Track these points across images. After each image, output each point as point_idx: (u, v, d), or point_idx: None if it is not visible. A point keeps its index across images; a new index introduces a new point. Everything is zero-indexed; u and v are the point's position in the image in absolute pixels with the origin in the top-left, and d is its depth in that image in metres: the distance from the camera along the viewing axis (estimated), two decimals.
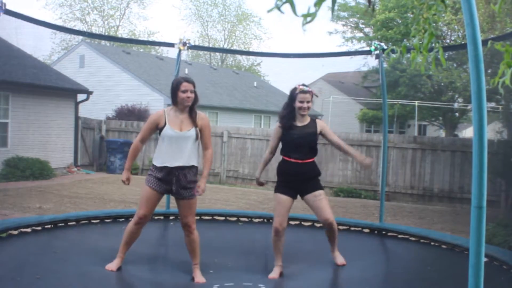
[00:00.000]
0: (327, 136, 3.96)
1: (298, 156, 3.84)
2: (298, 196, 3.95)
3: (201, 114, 3.72)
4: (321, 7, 1.17)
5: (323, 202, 3.84)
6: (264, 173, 4.27)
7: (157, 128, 3.67)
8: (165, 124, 3.61)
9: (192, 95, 3.62)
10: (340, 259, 4.09)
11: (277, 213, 3.83)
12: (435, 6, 2.07)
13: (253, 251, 4.57)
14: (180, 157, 3.57)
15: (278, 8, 1.13)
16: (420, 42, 2.16)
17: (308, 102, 3.85)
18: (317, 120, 4.00)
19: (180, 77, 3.74)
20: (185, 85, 3.59)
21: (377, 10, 20.61)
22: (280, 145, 3.99)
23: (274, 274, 3.84)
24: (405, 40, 20.61)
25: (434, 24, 2.21)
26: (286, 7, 1.14)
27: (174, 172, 3.58)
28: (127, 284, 3.53)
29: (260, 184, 4.10)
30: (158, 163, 3.62)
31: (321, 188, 3.91)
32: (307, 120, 3.97)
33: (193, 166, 3.64)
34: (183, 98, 3.59)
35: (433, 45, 2.31)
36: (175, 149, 3.57)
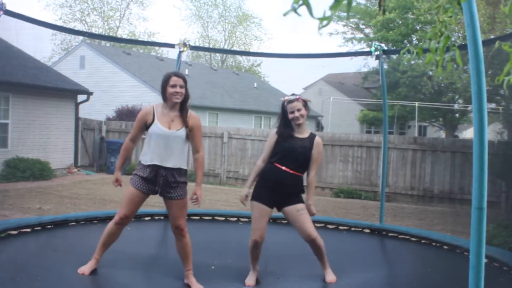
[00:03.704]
0: (312, 159, 3.63)
1: (291, 166, 3.56)
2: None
3: (192, 114, 3.50)
4: (337, 10, 1.15)
5: (305, 217, 3.55)
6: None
7: (146, 125, 3.45)
8: (153, 120, 3.42)
9: (182, 91, 3.41)
10: (330, 277, 3.70)
11: (257, 226, 3.55)
12: (451, 9, 2.07)
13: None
14: (168, 158, 3.38)
15: (295, 10, 1.11)
16: (437, 45, 2.16)
17: (299, 110, 3.60)
18: (316, 138, 3.70)
19: (170, 71, 3.52)
20: (174, 80, 3.39)
21: (377, 11, 20.61)
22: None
23: (251, 280, 3.64)
24: (405, 41, 20.63)
25: (452, 26, 2.21)
26: (302, 9, 1.12)
27: (161, 172, 3.38)
28: (126, 285, 3.51)
29: (245, 200, 3.65)
30: (145, 160, 3.43)
31: (302, 202, 3.62)
32: (307, 133, 3.72)
33: (181, 169, 3.44)
34: (172, 93, 3.38)
35: (448, 47, 2.30)
36: (163, 148, 3.38)
